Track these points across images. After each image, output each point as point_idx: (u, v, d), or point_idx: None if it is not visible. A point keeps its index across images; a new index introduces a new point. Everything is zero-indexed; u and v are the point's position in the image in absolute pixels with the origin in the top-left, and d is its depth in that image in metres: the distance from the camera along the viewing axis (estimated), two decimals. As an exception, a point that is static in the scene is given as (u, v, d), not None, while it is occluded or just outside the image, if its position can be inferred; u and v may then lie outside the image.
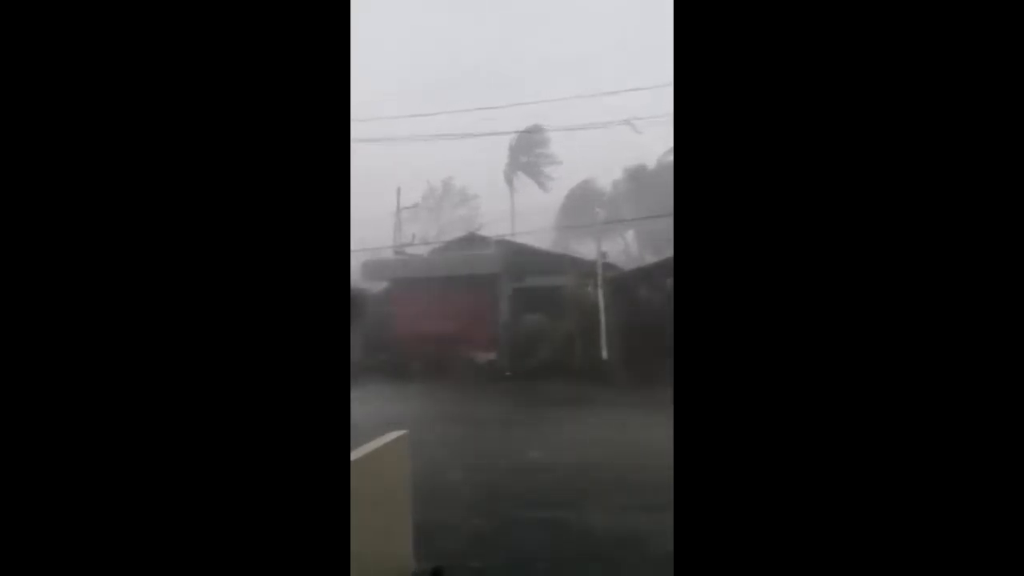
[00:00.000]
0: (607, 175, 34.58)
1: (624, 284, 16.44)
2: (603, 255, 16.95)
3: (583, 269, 16.89)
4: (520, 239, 21.62)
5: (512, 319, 17.33)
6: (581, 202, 32.42)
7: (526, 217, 30.10)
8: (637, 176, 33.35)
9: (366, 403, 9.55)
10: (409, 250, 22.16)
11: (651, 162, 32.81)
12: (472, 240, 21.01)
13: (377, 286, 19.77)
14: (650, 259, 24.79)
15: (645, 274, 17.21)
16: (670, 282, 14.35)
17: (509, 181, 35.49)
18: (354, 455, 3.18)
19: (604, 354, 15.10)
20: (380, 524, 3.39)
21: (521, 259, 17.95)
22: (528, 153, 35.29)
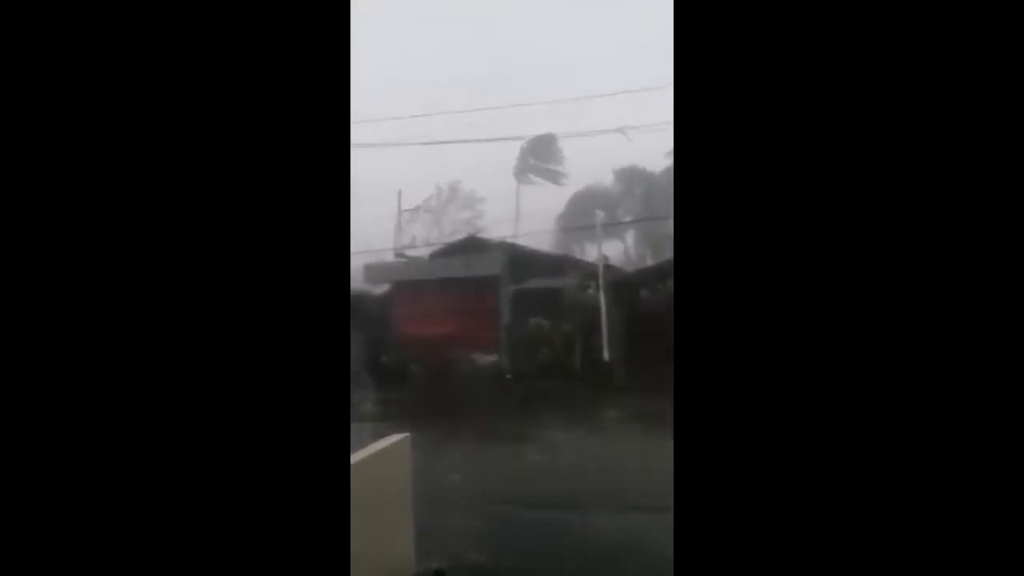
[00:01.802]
0: (610, 178, 34.61)
1: (625, 286, 16.43)
2: (604, 257, 16.93)
3: (585, 271, 16.87)
4: (522, 241, 21.60)
5: (513, 321, 17.31)
6: (583, 205, 32.39)
7: (527, 220, 30.15)
8: (639, 178, 33.33)
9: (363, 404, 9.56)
10: (410, 252, 22.15)
11: (653, 165, 32.80)
12: (474, 243, 20.98)
13: (378, 288, 19.76)
14: (651, 261, 24.76)
15: (646, 276, 17.21)
16: (670, 283, 14.35)
17: (521, 181, 35.45)
18: (356, 457, 3.18)
19: (605, 355, 15.08)
20: (381, 526, 3.39)
21: (522, 261, 17.93)
22: (538, 156, 35.27)
